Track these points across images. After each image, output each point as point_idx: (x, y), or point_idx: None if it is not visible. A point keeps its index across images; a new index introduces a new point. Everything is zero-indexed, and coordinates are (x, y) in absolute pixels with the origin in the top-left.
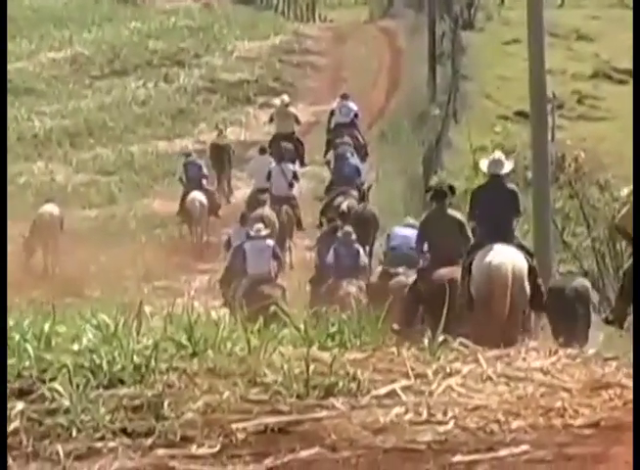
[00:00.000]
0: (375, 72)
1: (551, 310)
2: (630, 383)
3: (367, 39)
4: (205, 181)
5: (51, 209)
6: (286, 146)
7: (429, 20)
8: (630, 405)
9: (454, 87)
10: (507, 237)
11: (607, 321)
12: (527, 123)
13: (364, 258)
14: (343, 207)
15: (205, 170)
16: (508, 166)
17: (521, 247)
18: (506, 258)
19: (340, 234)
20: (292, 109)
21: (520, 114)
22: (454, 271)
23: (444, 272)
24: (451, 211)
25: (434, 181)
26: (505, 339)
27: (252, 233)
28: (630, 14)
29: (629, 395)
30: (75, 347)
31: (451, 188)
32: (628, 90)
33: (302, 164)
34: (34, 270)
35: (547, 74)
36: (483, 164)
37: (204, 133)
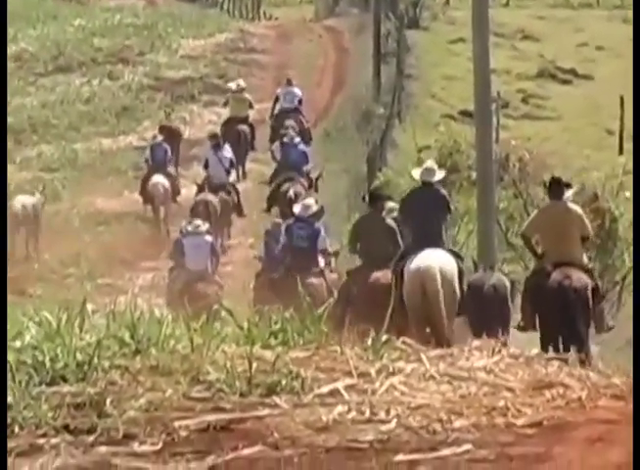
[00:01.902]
0: (320, 71)
1: (469, 307)
2: (573, 382)
3: (312, 38)
4: (169, 165)
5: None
6: (243, 129)
7: (374, 19)
8: (574, 405)
9: (399, 86)
10: (437, 242)
11: (519, 328)
12: (472, 123)
13: None
14: (291, 193)
15: (169, 154)
16: (439, 175)
17: (450, 251)
18: (434, 261)
19: (269, 227)
20: (246, 94)
21: (464, 113)
22: (388, 275)
23: (379, 275)
24: (386, 216)
25: (378, 180)
26: (439, 343)
27: (190, 229)
28: (575, 14)
29: (572, 394)
30: (18, 344)
31: (389, 196)
32: (573, 90)
33: (252, 148)
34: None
35: (492, 74)
36: (416, 173)
37: (148, 131)
